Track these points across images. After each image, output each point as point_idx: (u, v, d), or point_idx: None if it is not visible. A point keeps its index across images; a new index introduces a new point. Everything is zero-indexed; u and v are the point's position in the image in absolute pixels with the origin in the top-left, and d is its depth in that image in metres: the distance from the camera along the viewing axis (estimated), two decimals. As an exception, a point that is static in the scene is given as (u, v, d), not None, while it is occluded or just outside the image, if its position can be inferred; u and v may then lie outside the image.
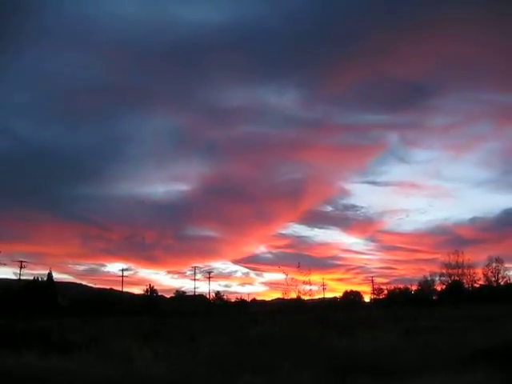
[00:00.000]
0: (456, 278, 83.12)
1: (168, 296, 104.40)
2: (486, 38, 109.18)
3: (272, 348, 16.96)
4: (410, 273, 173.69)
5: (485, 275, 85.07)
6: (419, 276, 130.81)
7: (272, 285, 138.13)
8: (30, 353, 16.32)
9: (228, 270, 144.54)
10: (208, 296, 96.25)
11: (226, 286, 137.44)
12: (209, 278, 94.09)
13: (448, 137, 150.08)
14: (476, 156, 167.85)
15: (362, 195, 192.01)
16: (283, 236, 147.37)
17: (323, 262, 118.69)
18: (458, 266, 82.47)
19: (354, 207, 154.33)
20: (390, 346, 17.18)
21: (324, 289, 77.53)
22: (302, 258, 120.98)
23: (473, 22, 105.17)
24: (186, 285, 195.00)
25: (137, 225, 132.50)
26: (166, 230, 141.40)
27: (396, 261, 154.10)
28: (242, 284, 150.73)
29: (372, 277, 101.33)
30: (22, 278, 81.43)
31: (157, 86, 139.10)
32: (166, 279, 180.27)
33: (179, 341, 21.62)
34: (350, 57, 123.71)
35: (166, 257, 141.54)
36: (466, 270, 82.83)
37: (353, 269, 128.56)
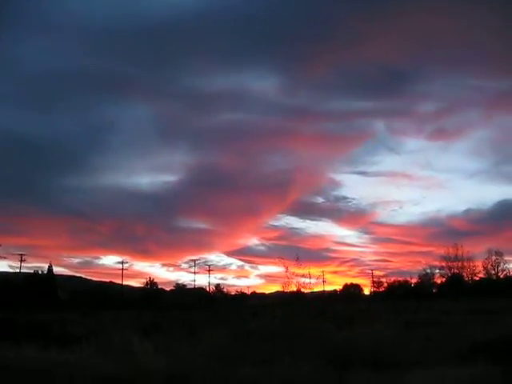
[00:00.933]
0: (456, 270, 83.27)
1: (168, 289, 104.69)
2: (473, 22, 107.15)
3: (272, 341, 16.99)
4: (405, 265, 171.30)
5: (485, 268, 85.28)
6: (415, 269, 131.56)
7: (268, 277, 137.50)
8: (30, 346, 16.33)
9: (223, 263, 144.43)
10: (208, 289, 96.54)
11: (222, 278, 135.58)
12: (209, 271, 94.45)
13: (436, 125, 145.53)
14: (466, 145, 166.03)
15: (353, 186, 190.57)
16: (275, 228, 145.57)
17: (317, 254, 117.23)
18: (458, 258, 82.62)
19: (345, 198, 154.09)
20: (389, 338, 17.22)
21: (324, 282, 77.57)
22: (296, 251, 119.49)
23: (459, 5, 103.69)
24: (182, 277, 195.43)
25: (126, 217, 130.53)
26: (155, 222, 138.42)
27: (391, 253, 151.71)
28: (238, 277, 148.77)
29: (372, 270, 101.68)
30: (16, 270, 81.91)
31: (134, 71, 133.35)
32: (161, 272, 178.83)
33: (179, 334, 21.66)
34: (331, 42, 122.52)
35: (159, 249, 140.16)
36: (465, 263, 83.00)
37: (347, 261, 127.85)
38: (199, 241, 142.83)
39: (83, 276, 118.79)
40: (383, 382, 11.67)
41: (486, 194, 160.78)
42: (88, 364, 13.56)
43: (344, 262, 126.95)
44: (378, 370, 12.59)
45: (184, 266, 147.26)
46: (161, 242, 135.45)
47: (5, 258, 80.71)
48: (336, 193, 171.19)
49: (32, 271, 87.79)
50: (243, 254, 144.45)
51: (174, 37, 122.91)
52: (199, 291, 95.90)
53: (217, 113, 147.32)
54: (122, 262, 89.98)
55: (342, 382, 11.54)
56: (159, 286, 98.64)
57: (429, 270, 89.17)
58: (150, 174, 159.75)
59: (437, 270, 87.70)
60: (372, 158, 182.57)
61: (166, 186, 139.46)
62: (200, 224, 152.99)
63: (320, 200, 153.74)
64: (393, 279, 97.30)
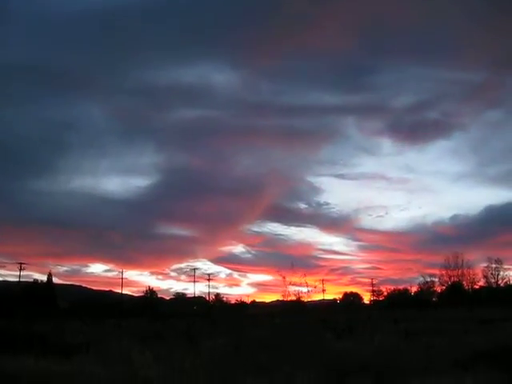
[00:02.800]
0: (456, 279, 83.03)
1: (168, 298, 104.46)
2: (441, 13, 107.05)
3: (272, 350, 16.91)
4: (395, 273, 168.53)
5: (484, 276, 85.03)
6: (406, 276, 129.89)
7: (260, 286, 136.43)
8: (29, 355, 16.26)
9: (211, 271, 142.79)
10: (208, 298, 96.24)
11: (214, 287, 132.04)
12: (208, 279, 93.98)
13: (412, 122, 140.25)
14: (446, 145, 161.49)
15: (333, 190, 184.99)
16: (258, 234, 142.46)
17: (305, 262, 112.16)
18: (458, 266, 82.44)
19: (327, 204, 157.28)
20: (390, 347, 17.14)
21: (324, 291, 77.35)
22: (283, 258, 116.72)
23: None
24: (173, 286, 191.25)
25: (100, 224, 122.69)
26: (132, 230, 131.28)
27: (380, 261, 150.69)
28: (230, 285, 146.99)
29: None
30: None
31: (86, 66, 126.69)
32: (151, 280, 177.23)
33: (179, 343, 21.56)
34: (283, 33, 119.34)
35: (141, 257, 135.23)
36: (465, 271, 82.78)
37: (336, 269, 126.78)
38: (181, 248, 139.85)
39: (83, 285, 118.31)
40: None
41: (473, 198, 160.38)
42: (86, 373, 13.49)
43: (333, 269, 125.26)
44: (379, 379, 12.53)
45: (172, 274, 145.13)
46: (142, 250, 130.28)
47: (4, 266, 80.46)
48: (317, 198, 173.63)
49: (31, 280, 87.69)
50: (230, 261, 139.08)
51: (124, 30, 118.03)
52: (199, 300, 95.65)
53: (175, 109, 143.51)
54: (122, 272, 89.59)
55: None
56: (159, 295, 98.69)
57: (422, 278, 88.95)
58: (118, 177, 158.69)
59: (429, 278, 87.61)
60: (350, 160, 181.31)
61: (139, 191, 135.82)
62: (179, 231, 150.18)
63: (302, 206, 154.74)
64: (392, 288, 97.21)
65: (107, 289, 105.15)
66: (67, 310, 76.32)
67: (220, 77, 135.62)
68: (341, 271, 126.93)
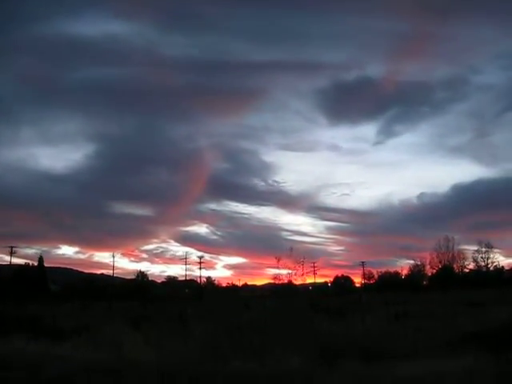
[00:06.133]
0: (446, 262, 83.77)
1: (159, 281, 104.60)
2: None
3: (263, 333, 16.99)
4: (369, 255, 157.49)
5: (474, 260, 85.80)
6: (381, 258, 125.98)
7: (236, 269, 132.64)
8: (20, 338, 16.26)
9: (180, 253, 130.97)
10: (199, 281, 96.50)
11: (189, 270, 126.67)
12: (200, 263, 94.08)
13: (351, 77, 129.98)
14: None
15: (286, 165, 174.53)
16: (217, 213, 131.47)
17: (275, 245, 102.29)
18: (448, 250, 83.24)
19: (284, 182, 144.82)
20: (380, 330, 17.29)
21: (315, 273, 77.68)
22: (252, 240, 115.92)
23: None
24: (151, 268, 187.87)
25: (45, 202, 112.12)
26: (83, 209, 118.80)
27: (352, 244, 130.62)
28: (206, 268, 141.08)
29: (362, 263, 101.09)
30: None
31: None
32: (124, 263, 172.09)
33: (170, 326, 21.62)
34: None
35: (103, 239, 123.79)
36: (455, 255, 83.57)
37: (308, 251, 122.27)
38: (140, 228, 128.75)
39: (74, 268, 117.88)
40: (373, 373, 11.70)
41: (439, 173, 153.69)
42: (79, 356, 13.51)
43: (306, 251, 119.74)
44: (369, 361, 12.63)
45: (143, 255, 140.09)
46: (99, 231, 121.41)
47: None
48: (269, 173, 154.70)
49: (23, 263, 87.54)
50: (197, 242, 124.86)
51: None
52: (191, 283, 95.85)
53: (83, 67, 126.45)
54: (113, 255, 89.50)
55: (332, 373, 11.55)
56: (150, 279, 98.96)
57: (413, 261, 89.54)
58: (48, 147, 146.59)
59: (419, 262, 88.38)
60: (292, 129, 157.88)
61: (78, 167, 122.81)
62: (131, 209, 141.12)
63: (256, 182, 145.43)
64: (383, 270, 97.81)
65: (98, 272, 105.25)
66: (59, 294, 76.35)
67: (126, 28, 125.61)
68: (314, 254, 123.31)
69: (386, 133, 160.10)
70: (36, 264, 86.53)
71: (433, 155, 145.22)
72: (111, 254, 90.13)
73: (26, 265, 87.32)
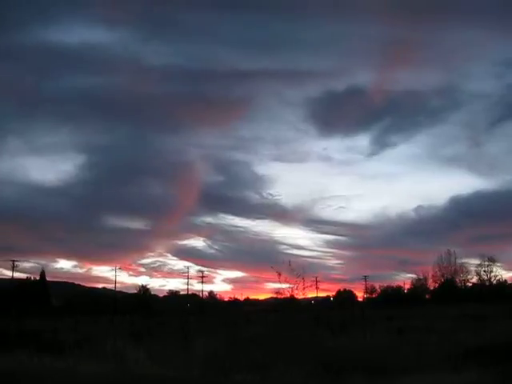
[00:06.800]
0: (448, 276, 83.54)
1: (161, 295, 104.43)
2: None
3: (265, 347, 16.97)
4: (368, 269, 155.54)
5: (477, 274, 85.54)
6: (380, 272, 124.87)
7: (236, 283, 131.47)
8: (22, 352, 16.25)
9: (179, 267, 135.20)
10: (201, 295, 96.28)
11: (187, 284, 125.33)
12: (202, 277, 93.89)
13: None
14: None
15: (281, 177, 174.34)
16: (212, 226, 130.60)
17: (273, 259, 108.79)
18: (451, 264, 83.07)
19: (279, 195, 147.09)
20: (382, 345, 17.24)
21: (317, 288, 77.40)
22: (249, 254, 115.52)
23: None
24: (150, 282, 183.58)
25: (37, 216, 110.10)
26: (74, 222, 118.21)
27: (350, 258, 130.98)
28: (205, 282, 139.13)
29: (365, 277, 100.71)
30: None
31: None
32: (123, 276, 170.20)
33: (173, 340, 21.59)
34: None
35: (97, 252, 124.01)
36: (458, 269, 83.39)
37: (306, 265, 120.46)
38: (135, 241, 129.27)
39: (76, 282, 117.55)
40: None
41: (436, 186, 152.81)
42: (80, 371, 13.51)
43: (304, 265, 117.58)
44: (372, 376, 12.61)
45: (141, 270, 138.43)
46: (93, 245, 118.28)
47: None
48: (265, 186, 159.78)
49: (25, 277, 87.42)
50: (194, 256, 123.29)
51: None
52: (193, 297, 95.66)
53: (66, 76, 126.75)
54: (115, 270, 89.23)
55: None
56: (153, 293, 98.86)
57: (422, 277, 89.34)
58: (38, 159, 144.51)
59: (422, 276, 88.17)
60: (287, 141, 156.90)
61: (69, 179, 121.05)
62: (125, 222, 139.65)
63: (251, 195, 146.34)
64: (385, 285, 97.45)
65: (100, 286, 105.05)
66: (61, 308, 76.17)
67: (111, 37, 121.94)
68: (313, 268, 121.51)
69: (380, 143, 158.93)
70: (37, 278, 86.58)
71: (429, 166, 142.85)
72: (108, 268, 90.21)
73: (28, 279, 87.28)
